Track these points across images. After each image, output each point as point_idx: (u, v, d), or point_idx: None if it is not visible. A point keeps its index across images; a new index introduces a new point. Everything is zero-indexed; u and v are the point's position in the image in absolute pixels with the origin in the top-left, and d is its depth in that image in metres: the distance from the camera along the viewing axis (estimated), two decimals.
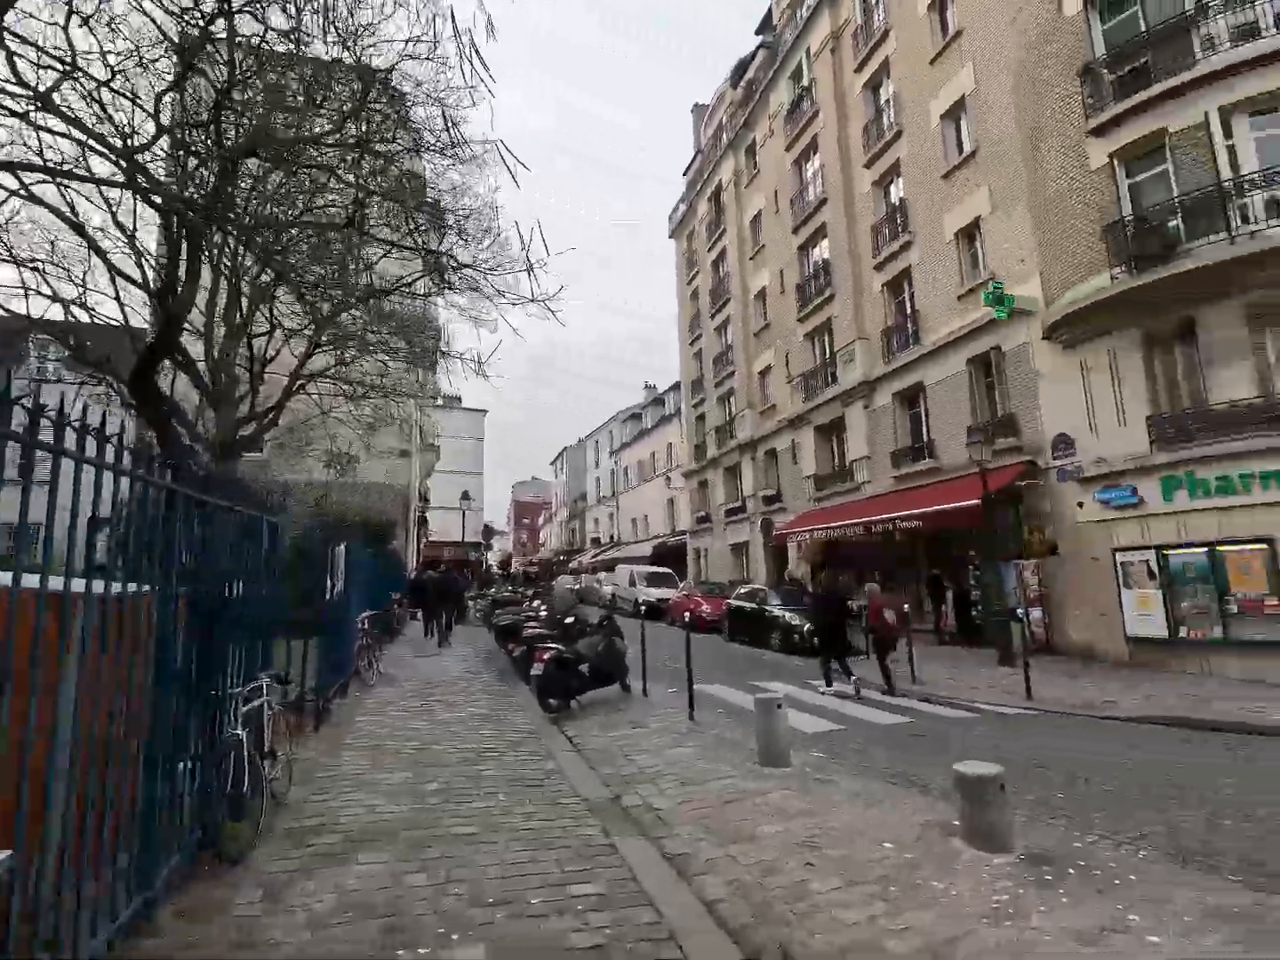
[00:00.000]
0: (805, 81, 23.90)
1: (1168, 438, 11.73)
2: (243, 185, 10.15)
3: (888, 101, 19.78)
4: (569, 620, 10.73)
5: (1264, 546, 10.60)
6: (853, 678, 10.27)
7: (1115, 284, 12.07)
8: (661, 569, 28.67)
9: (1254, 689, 9.84)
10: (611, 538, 49.76)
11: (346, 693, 9.18)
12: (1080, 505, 13.12)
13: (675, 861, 4.23)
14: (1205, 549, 11.09)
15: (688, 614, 20.92)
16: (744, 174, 28.68)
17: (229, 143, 7.19)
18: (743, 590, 17.99)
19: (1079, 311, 12.68)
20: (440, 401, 39.55)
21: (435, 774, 5.77)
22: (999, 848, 4.10)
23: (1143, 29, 12.34)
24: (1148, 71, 12.08)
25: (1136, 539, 12.08)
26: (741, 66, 29.68)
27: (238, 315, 12.36)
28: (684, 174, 36.32)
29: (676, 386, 38.58)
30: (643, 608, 21.36)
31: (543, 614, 13.81)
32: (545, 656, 8.92)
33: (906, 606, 16.14)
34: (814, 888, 3.79)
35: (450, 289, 9.58)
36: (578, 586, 29.52)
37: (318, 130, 8.20)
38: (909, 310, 18.62)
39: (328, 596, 8.03)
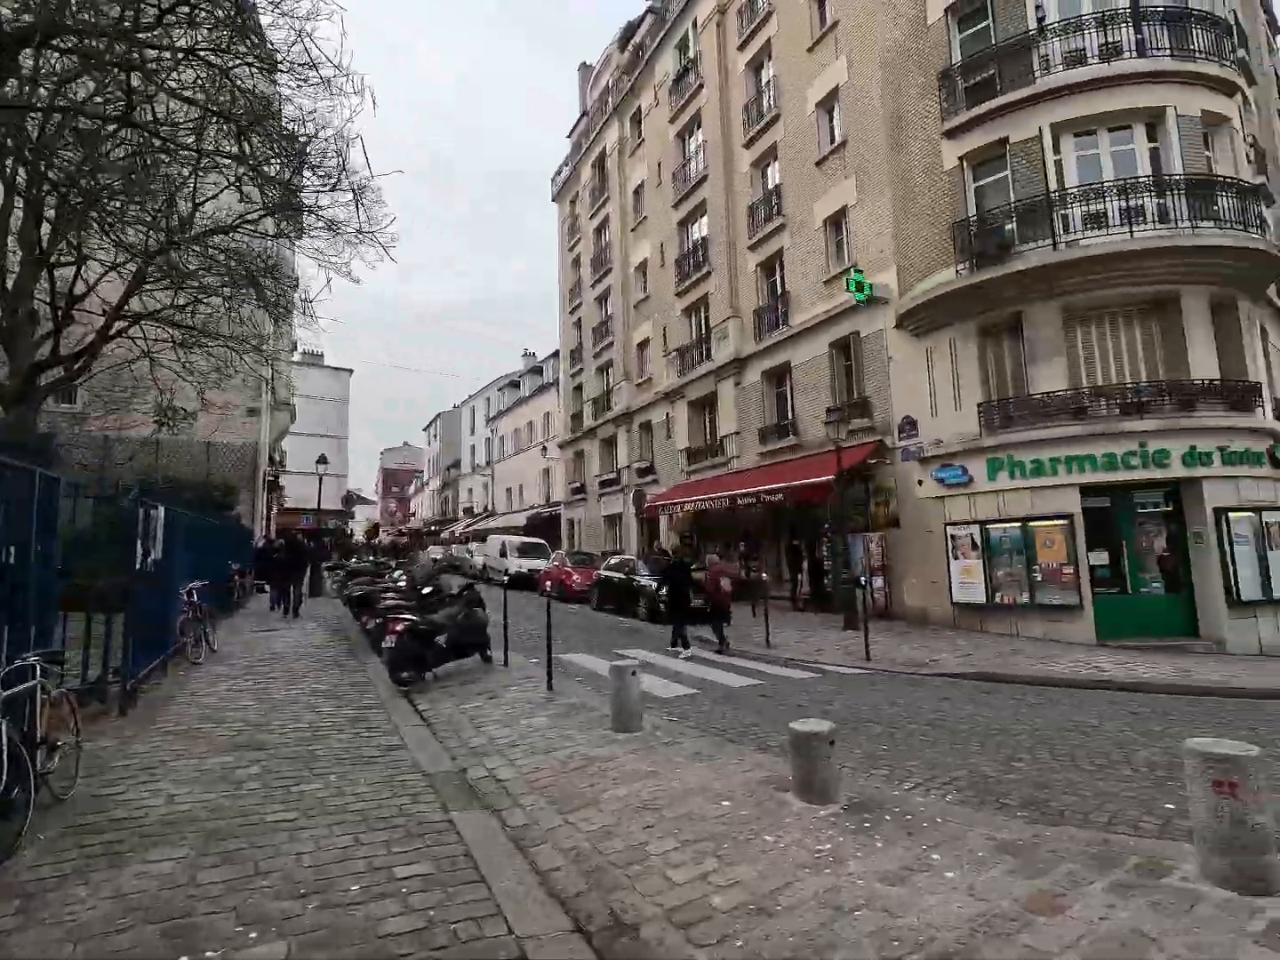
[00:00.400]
0: (691, 53, 23.83)
1: (994, 423, 12.97)
2: (40, 86, 8.63)
3: (768, 83, 20.14)
4: (427, 591, 10.26)
5: (1064, 522, 12.04)
6: (689, 643, 11.17)
7: (958, 279, 13.09)
8: (534, 539, 28.33)
9: (1050, 647, 11.23)
10: (486, 508, 48.56)
11: (166, 672, 8.25)
12: (920, 483, 14.28)
13: (515, 833, 4.12)
14: (1019, 524, 12.43)
15: (555, 585, 20.82)
16: (629, 142, 28.32)
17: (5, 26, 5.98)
18: (612, 561, 18.12)
19: (927, 303, 13.66)
20: (298, 357, 36.50)
21: (258, 757, 5.28)
22: (826, 799, 4.33)
23: (993, 42, 13.28)
24: (994, 83, 13.04)
25: (965, 514, 13.33)
26: (630, 29, 29.10)
27: (37, 241, 10.56)
28: (569, 135, 35.33)
29: (556, 355, 37.94)
30: (506, 579, 21.00)
31: (403, 585, 13.17)
32: (399, 628, 8.47)
33: (765, 575, 17.05)
34: (650, 850, 3.81)
35: (287, 219, 8.68)
36: (440, 557, 28.49)
37: (129, 24, 7.04)
38: (780, 292, 19.27)
39: (139, 566, 7.09)
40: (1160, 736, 6.07)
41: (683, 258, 23.72)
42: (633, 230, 27.68)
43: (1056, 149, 12.55)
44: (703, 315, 22.89)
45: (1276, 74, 19.94)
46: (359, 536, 73.29)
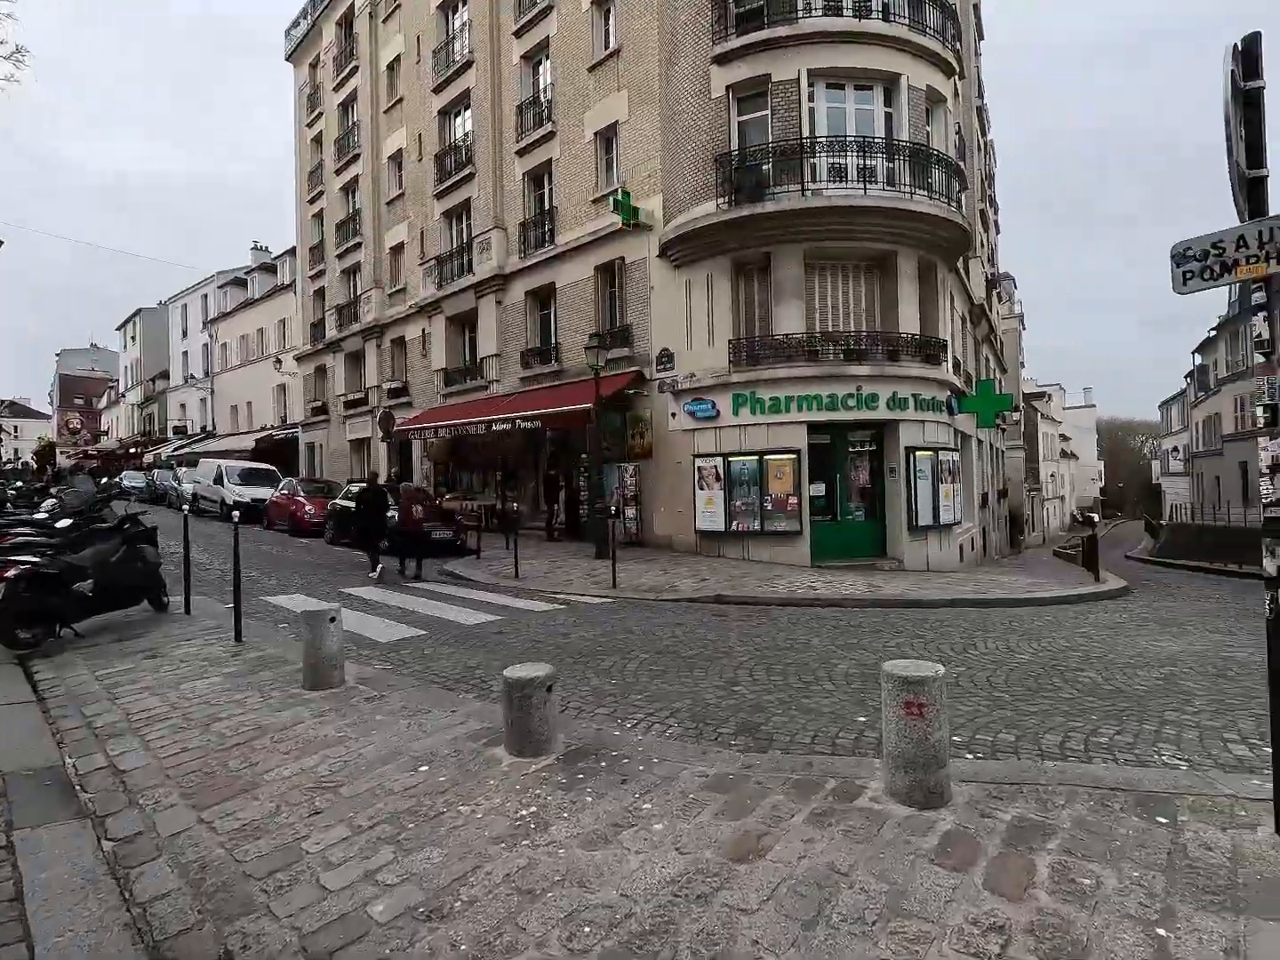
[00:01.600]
0: None
1: (743, 359, 13.55)
2: None
3: None
4: (65, 524, 7.91)
5: (793, 456, 13.11)
6: (378, 568, 11.02)
7: (718, 213, 13.18)
8: (261, 465, 24.52)
9: (775, 569, 12.28)
10: (204, 428, 41.23)
11: None
12: (673, 415, 14.60)
13: (116, 850, 3.01)
14: (756, 457, 13.29)
15: (285, 517, 18.26)
16: (383, 1, 24.27)
17: None
18: (353, 490, 16.16)
19: (687, 234, 13.63)
20: None
21: None
22: (540, 751, 3.85)
23: None
24: (763, 14, 13.01)
25: (711, 448, 13.92)
26: None
27: None
28: None
29: (293, 252, 32.52)
30: (226, 511, 17.90)
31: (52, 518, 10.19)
32: (9, 574, 6.31)
33: (519, 506, 16.50)
34: (309, 846, 2.99)
35: None
36: (110, 480, 23.06)
37: None
38: (548, 206, 18.13)
39: None
40: (855, 649, 6.68)
41: (444, 153, 21.23)
42: (386, 113, 24.13)
43: (811, 97, 12.99)
44: (465, 223, 20.88)
45: (978, 75, 23.08)
46: (27, 459, 58.41)
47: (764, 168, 12.94)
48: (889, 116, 13.35)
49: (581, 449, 16.08)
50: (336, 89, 26.87)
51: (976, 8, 22.66)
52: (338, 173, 26.85)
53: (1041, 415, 49.46)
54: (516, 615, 8.41)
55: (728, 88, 13.41)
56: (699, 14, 13.73)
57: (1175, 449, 51.38)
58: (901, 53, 13.15)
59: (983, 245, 23.18)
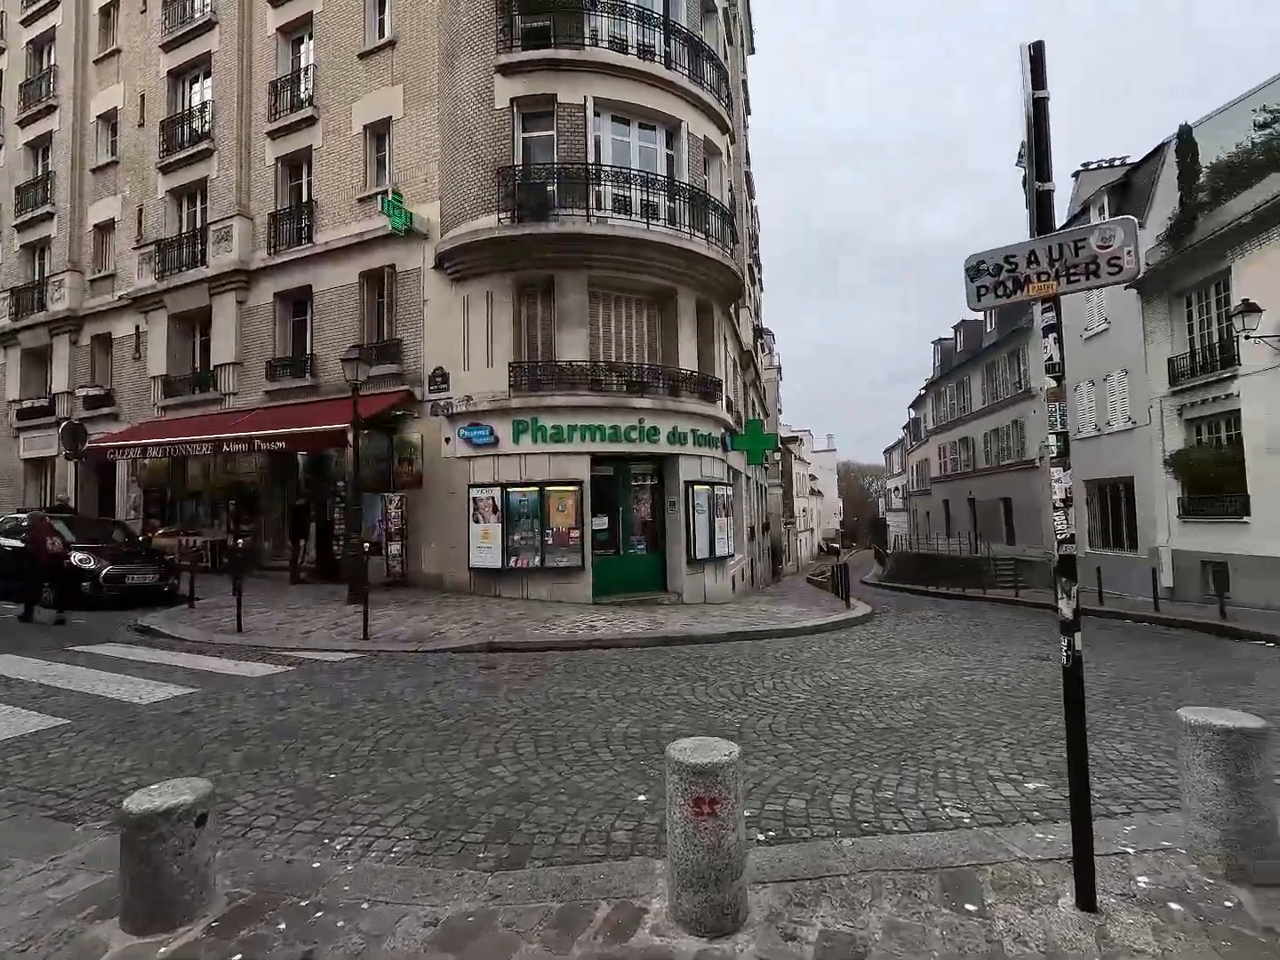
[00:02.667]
0: None
1: (524, 385, 12.74)
2: None
3: None
4: None
5: (576, 488, 12.53)
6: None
7: (499, 228, 12.38)
8: None
9: (555, 608, 11.46)
10: None
11: None
12: (447, 440, 13.29)
13: None
14: (537, 488, 12.48)
15: None
16: None
17: None
18: (5, 523, 12.28)
19: (466, 246, 12.64)
20: None
21: None
22: (178, 920, 2.53)
23: None
24: (549, 34, 12.66)
25: (489, 477, 12.83)
26: None
27: None
28: None
29: None
30: None
31: None
32: None
33: (247, 541, 13.89)
34: None
35: None
36: None
37: None
38: (306, 198, 15.93)
39: None
40: (635, 700, 6.05)
41: (175, 121, 17.87)
42: (97, 63, 19.87)
43: (597, 125, 12.85)
44: (200, 205, 17.66)
45: (746, 144, 25.31)
46: None
47: (549, 188, 12.45)
48: (670, 159, 13.70)
49: (338, 476, 14.01)
50: (26, 23, 21.60)
51: (745, 84, 24.97)
52: (22, 125, 21.44)
53: (795, 457, 55.49)
54: (222, 685, 6.54)
55: (512, 100, 12.78)
56: (484, 18, 13.01)
57: (896, 488, 60.68)
58: (682, 100, 13.61)
59: (750, 297, 25.21)
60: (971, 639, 10.56)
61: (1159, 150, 18.49)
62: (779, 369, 42.95)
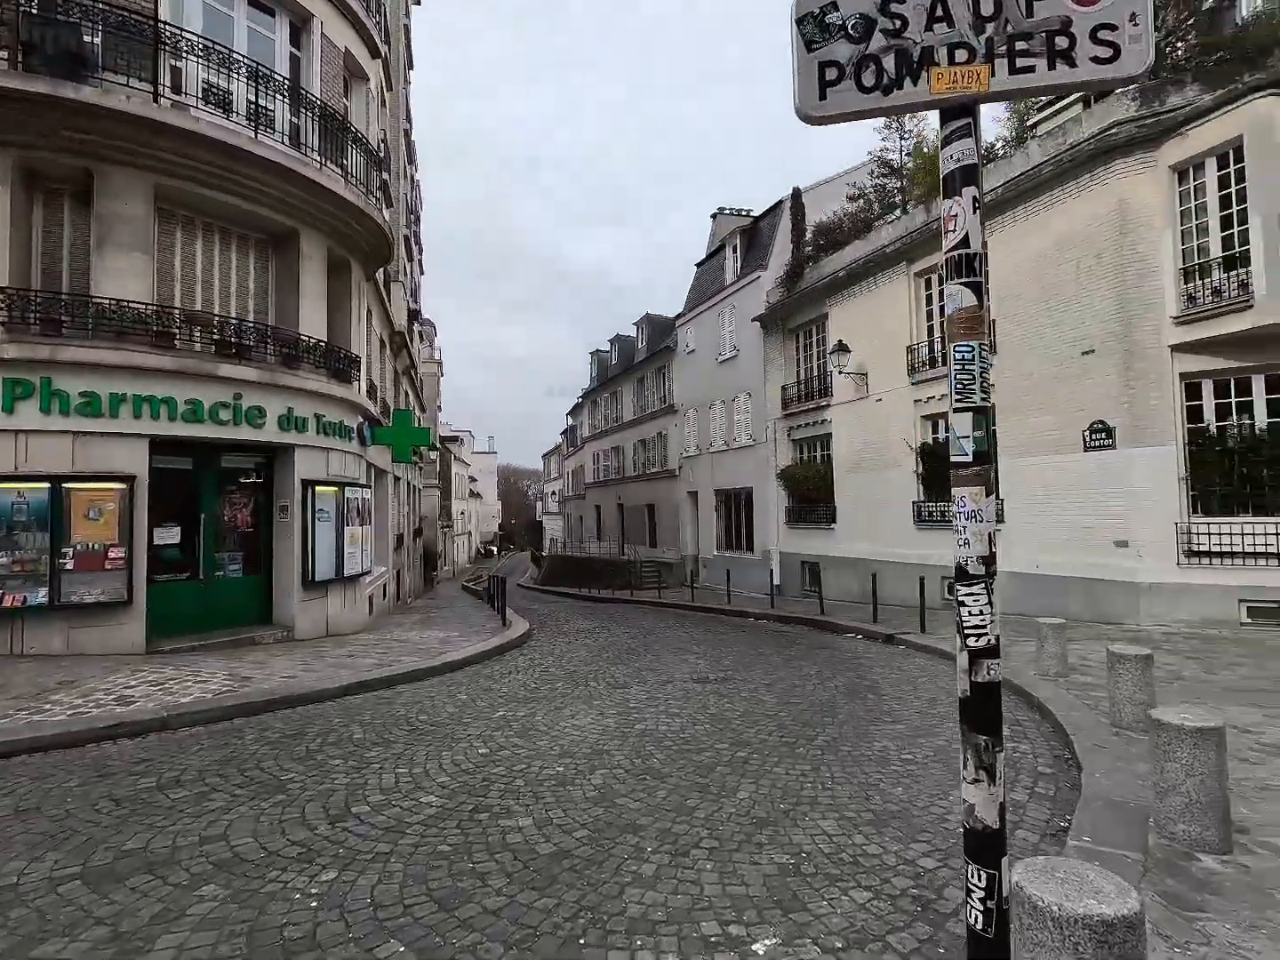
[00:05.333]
0: None
1: (30, 323, 8.28)
2: None
3: None
4: None
5: (123, 486, 8.59)
6: None
7: None
8: None
9: (76, 666, 7.47)
10: None
11: None
12: None
13: None
14: (47, 485, 8.19)
15: None
16: None
17: None
18: None
19: None
20: None
21: None
22: None
23: None
24: None
25: None
26: None
27: None
28: None
29: None
30: None
31: None
32: None
33: None
34: None
35: None
36: None
37: None
38: None
39: None
40: (139, 874, 3.41)
41: None
42: None
43: None
44: None
45: (407, 100, 22.43)
46: None
47: (84, 37, 8.30)
48: (295, 60, 10.53)
49: None
50: None
51: (408, 30, 22.04)
52: None
53: (455, 457, 53.04)
54: None
55: None
56: None
57: (553, 492, 62.41)
58: None
59: (407, 274, 22.33)
60: (629, 657, 9.87)
61: (779, 205, 21.32)
62: (440, 364, 40.21)
